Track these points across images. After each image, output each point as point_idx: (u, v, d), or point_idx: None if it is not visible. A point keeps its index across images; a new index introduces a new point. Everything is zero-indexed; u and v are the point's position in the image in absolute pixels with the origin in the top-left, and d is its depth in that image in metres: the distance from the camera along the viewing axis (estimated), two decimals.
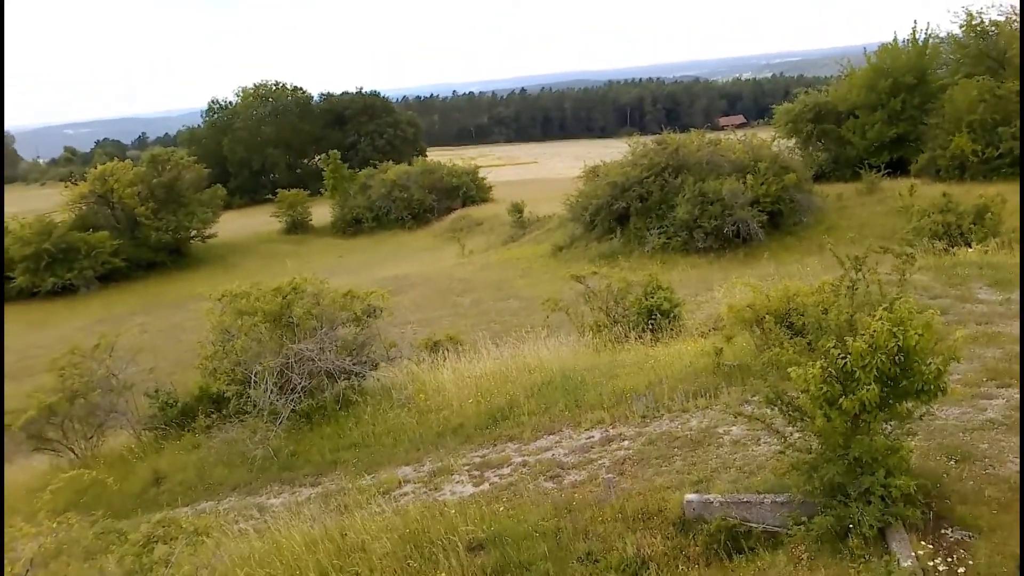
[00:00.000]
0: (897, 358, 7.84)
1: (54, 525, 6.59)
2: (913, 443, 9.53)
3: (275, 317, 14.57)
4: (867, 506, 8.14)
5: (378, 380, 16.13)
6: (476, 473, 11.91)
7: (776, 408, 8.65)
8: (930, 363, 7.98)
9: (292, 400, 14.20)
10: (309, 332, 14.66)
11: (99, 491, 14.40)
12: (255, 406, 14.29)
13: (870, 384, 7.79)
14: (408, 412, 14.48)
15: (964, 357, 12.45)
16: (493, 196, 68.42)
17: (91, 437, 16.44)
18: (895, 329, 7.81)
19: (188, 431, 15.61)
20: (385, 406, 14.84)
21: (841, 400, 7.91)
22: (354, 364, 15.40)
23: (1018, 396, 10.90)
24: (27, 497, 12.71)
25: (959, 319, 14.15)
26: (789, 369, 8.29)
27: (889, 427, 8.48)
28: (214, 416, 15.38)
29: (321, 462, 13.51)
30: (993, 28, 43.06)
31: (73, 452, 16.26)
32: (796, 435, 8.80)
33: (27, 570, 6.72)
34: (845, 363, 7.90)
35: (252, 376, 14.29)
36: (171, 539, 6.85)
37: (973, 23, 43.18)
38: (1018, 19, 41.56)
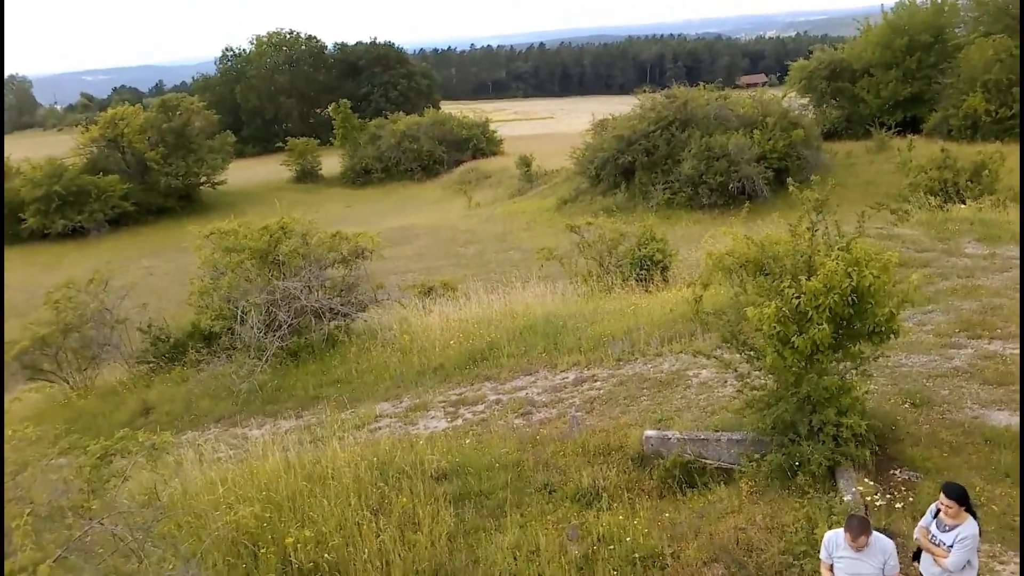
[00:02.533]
0: (850, 299, 7.91)
1: (11, 433, 6.83)
2: (874, 387, 9.67)
3: (262, 255, 14.74)
4: (818, 445, 8.29)
5: (366, 321, 16.35)
6: (451, 409, 12.16)
7: (732, 346, 8.79)
8: (884, 306, 8.06)
9: (278, 337, 14.43)
10: (296, 271, 14.85)
11: (89, 421, 14.85)
12: (242, 342, 14.54)
13: (822, 324, 7.87)
14: (392, 352, 14.71)
15: (941, 308, 12.57)
16: (504, 150, 68.06)
17: (85, 369, 16.81)
18: (850, 270, 7.88)
19: (178, 365, 15.92)
20: (370, 346, 15.08)
21: (795, 339, 8.02)
22: (342, 305, 15.60)
23: (987, 345, 11.00)
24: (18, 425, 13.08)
25: (942, 272, 14.17)
26: (746, 309, 8.40)
27: (845, 368, 8.60)
28: (204, 351, 15.66)
29: (304, 397, 13.80)
30: None
31: (67, 383, 16.65)
32: (754, 374, 8.94)
33: None
34: (799, 303, 7.98)
35: (240, 312, 14.53)
36: (128, 453, 7.09)
37: None
38: None
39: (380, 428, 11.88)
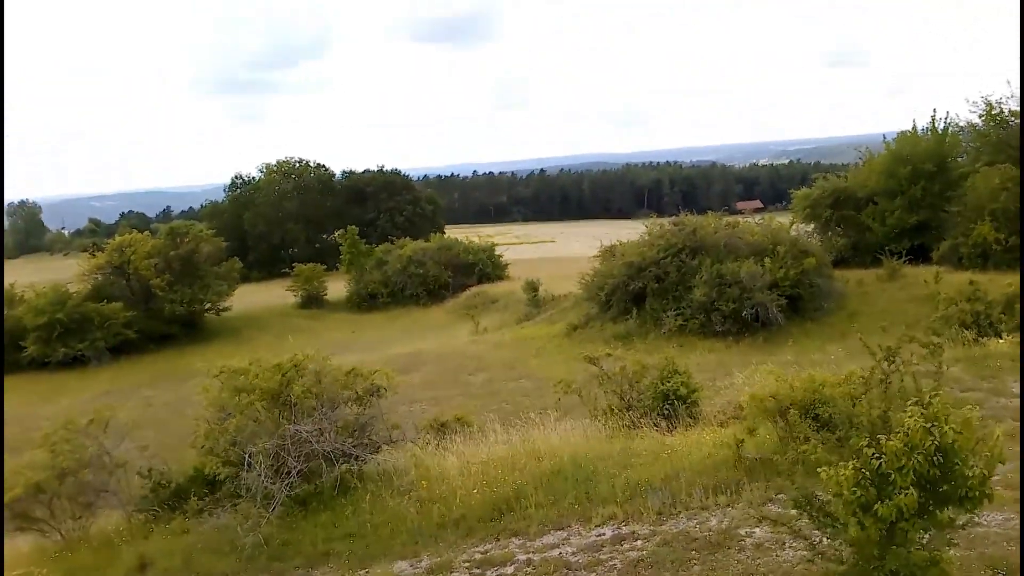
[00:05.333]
0: (935, 459, 7.14)
1: None
2: (953, 553, 8.73)
3: (273, 395, 13.93)
4: None
5: (379, 464, 15.38)
6: (476, 571, 11.07)
7: (805, 513, 7.90)
8: (972, 465, 7.27)
9: (287, 484, 13.45)
10: (308, 412, 14.00)
11: None
12: (248, 490, 13.56)
13: (908, 488, 7.07)
14: (408, 500, 13.69)
15: (1004, 456, 11.68)
16: (509, 274, 68.26)
17: (79, 517, 15.66)
18: (930, 427, 7.14)
19: (179, 514, 14.84)
20: (385, 493, 14.06)
21: (876, 506, 7.19)
22: (354, 446, 14.68)
23: None
24: None
25: (994, 414, 13.36)
26: (819, 469, 7.59)
27: (927, 536, 7.71)
28: (207, 499, 14.63)
29: (313, 553, 12.70)
30: (1013, 119, 42.92)
31: (60, 533, 15.50)
32: (826, 542, 8.03)
33: None
34: (880, 464, 7.20)
35: (247, 457, 13.60)
36: None
37: (992, 112, 43.12)
38: None
39: None
